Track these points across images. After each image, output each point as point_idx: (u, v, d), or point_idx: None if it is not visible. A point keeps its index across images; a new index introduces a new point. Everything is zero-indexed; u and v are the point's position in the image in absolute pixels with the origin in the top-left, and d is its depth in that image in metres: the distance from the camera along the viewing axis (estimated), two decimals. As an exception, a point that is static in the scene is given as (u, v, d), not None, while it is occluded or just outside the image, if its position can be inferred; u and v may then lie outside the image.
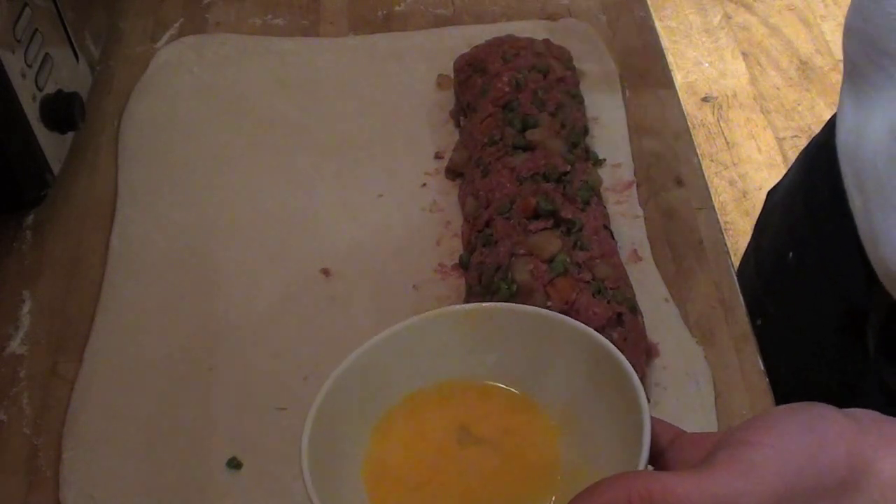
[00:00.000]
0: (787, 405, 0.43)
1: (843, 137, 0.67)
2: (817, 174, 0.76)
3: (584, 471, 0.46)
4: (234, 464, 0.60)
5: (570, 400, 0.49)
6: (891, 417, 0.43)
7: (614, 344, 0.58)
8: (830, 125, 0.76)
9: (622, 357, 0.46)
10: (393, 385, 0.50)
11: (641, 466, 0.42)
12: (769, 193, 0.88)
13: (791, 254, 0.79)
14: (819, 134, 0.81)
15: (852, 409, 0.43)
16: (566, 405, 0.49)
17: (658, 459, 0.44)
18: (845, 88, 0.68)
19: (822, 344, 0.77)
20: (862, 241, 0.65)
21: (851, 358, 0.73)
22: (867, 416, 0.42)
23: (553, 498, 0.46)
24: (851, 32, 0.65)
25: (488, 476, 0.47)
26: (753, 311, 0.68)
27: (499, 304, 0.53)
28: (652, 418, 0.44)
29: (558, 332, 0.49)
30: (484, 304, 0.52)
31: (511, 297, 0.60)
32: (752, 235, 0.89)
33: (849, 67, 0.67)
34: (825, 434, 0.41)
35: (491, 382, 0.51)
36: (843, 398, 0.78)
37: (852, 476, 0.40)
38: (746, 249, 0.90)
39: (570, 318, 0.50)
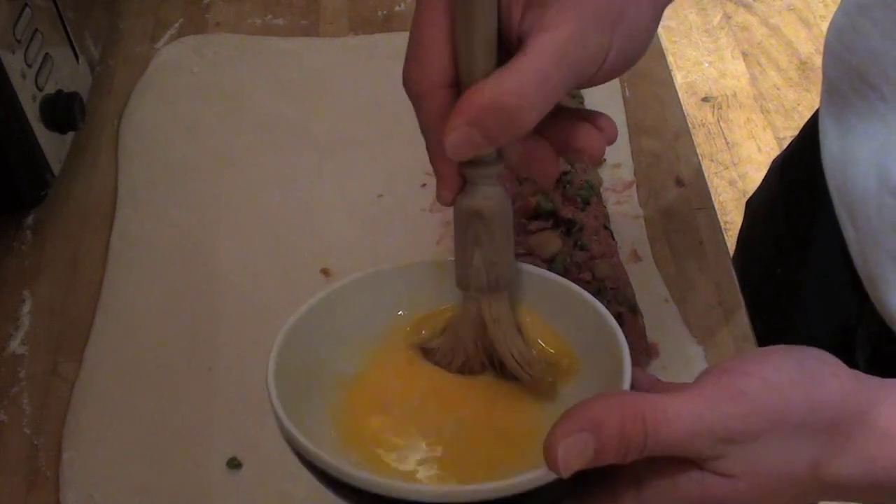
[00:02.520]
0: (783, 345, 0.43)
1: (828, 164, 0.66)
2: (797, 187, 0.76)
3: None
4: (234, 464, 0.60)
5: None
6: (889, 379, 0.42)
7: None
8: (805, 135, 0.75)
9: (597, 302, 0.47)
10: (378, 314, 0.50)
11: (625, 387, 0.42)
12: (747, 205, 0.87)
13: (779, 269, 0.78)
14: (795, 142, 0.80)
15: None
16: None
17: None
18: (826, 109, 0.67)
19: None
20: (857, 271, 0.64)
21: None
22: (863, 374, 0.42)
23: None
24: (833, 56, 0.64)
25: (472, 417, 0.47)
26: None
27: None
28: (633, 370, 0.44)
29: (535, 283, 0.49)
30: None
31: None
32: (736, 248, 0.88)
33: (829, 87, 0.66)
34: (818, 373, 0.41)
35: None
36: None
37: (844, 420, 0.40)
38: (732, 261, 0.89)
39: (544, 270, 0.50)
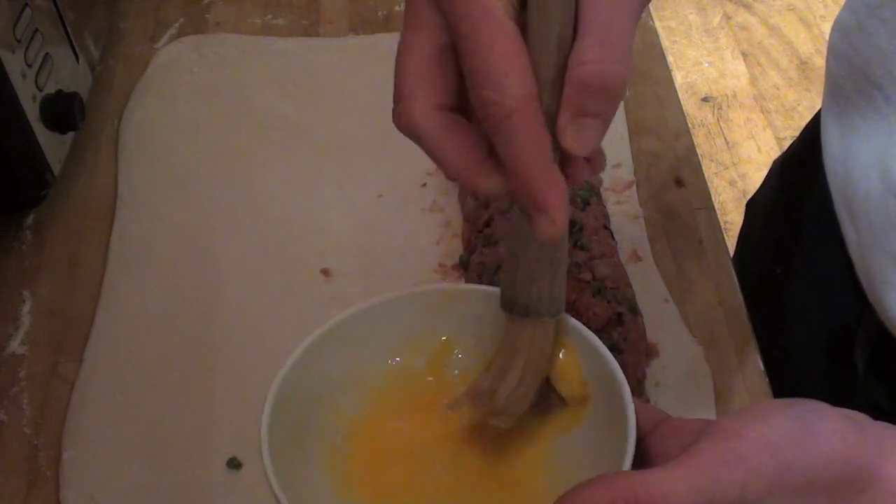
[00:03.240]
0: (780, 399, 0.42)
1: (830, 164, 0.66)
2: (798, 188, 0.75)
3: (568, 460, 0.45)
4: (234, 464, 0.60)
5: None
6: (890, 424, 0.41)
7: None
8: (806, 136, 0.75)
9: (609, 354, 0.46)
10: (368, 359, 0.48)
11: (626, 467, 0.41)
12: (748, 206, 0.87)
13: (778, 269, 0.78)
14: (796, 144, 0.80)
15: (850, 411, 0.42)
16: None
17: (640, 444, 0.43)
18: (829, 109, 0.67)
19: (810, 360, 0.76)
20: (857, 273, 0.64)
21: (839, 376, 0.72)
22: (866, 419, 0.41)
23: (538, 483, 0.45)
24: (837, 56, 0.64)
25: (475, 470, 0.46)
26: None
27: (468, 286, 0.51)
28: (636, 402, 0.43)
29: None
30: (455, 286, 0.51)
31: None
32: (737, 248, 0.88)
33: (832, 88, 0.66)
34: (818, 429, 0.39)
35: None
36: None
37: (848, 477, 0.39)
38: (732, 261, 0.89)
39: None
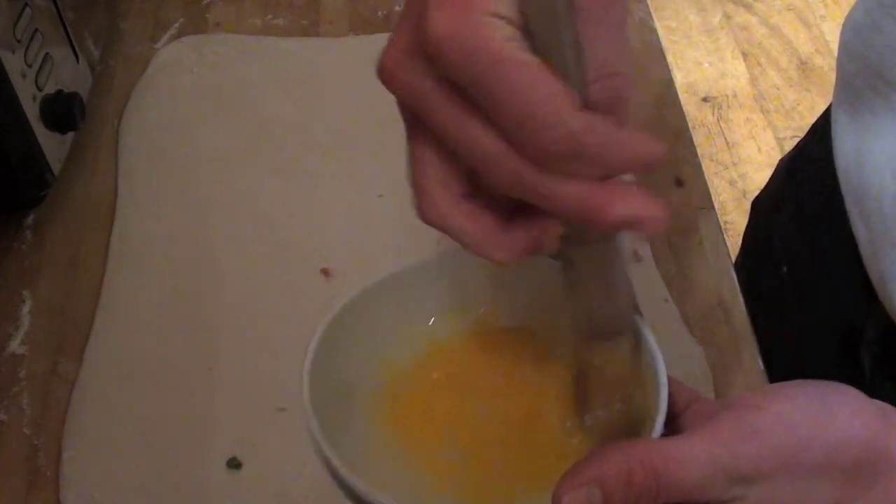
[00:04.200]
0: (808, 380, 0.42)
1: (841, 161, 0.66)
2: (805, 186, 0.75)
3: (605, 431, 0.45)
4: (234, 464, 0.60)
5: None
6: None
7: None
8: (814, 134, 0.75)
9: (646, 328, 0.44)
10: (414, 315, 0.48)
11: (656, 435, 0.40)
12: (754, 204, 0.87)
13: (785, 268, 0.78)
14: (804, 141, 0.80)
15: (876, 400, 0.41)
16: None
17: (672, 423, 0.43)
18: (840, 105, 0.67)
19: (817, 360, 0.76)
20: (868, 271, 0.64)
21: (846, 375, 0.72)
22: (892, 408, 0.41)
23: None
24: (849, 53, 0.64)
25: (501, 426, 0.46)
26: None
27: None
28: (670, 380, 0.42)
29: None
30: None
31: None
32: (742, 247, 0.88)
33: (844, 84, 0.66)
34: (839, 409, 0.39)
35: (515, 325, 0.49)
36: None
37: (868, 461, 0.39)
38: (736, 261, 0.89)
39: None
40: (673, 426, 0.43)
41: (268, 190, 0.75)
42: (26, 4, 0.69)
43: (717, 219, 0.73)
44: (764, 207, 0.85)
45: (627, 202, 0.33)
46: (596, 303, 0.42)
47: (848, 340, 0.70)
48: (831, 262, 0.70)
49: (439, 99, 0.34)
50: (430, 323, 0.49)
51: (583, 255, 0.40)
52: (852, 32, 0.64)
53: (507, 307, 0.49)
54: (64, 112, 0.72)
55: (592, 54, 0.33)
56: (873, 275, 0.63)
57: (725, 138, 2.15)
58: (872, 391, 0.69)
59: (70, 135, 0.76)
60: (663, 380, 0.42)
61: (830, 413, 0.39)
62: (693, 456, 0.38)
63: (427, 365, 0.48)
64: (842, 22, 0.66)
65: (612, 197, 0.33)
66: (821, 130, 0.71)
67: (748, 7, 2.43)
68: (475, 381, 0.48)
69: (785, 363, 0.70)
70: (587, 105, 0.33)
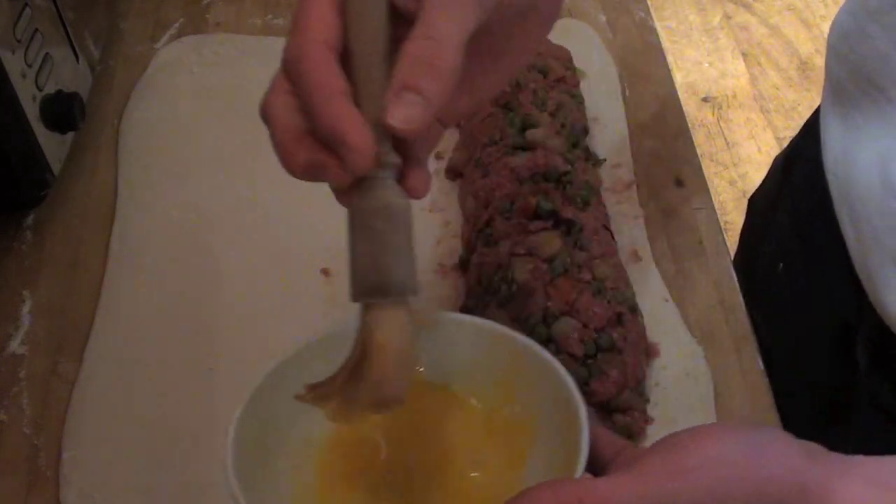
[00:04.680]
0: (734, 422, 0.43)
1: (830, 163, 0.66)
2: (800, 184, 0.75)
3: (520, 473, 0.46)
4: (234, 464, 0.60)
5: (501, 403, 0.48)
6: (847, 456, 0.42)
7: (614, 344, 0.59)
8: (808, 132, 0.75)
9: (554, 361, 0.46)
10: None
11: (578, 476, 0.41)
12: (750, 202, 0.87)
13: (781, 265, 0.78)
14: (797, 139, 0.80)
15: (808, 442, 0.42)
16: (498, 409, 0.48)
17: (602, 471, 0.43)
18: (829, 106, 0.67)
19: (813, 356, 0.76)
20: (856, 271, 0.64)
21: (842, 372, 0.72)
22: (821, 449, 0.42)
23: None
24: (837, 55, 0.64)
25: (417, 474, 0.47)
26: None
27: (442, 315, 0.50)
28: (596, 430, 0.43)
29: (483, 335, 0.49)
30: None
31: (511, 297, 0.60)
32: (739, 245, 0.88)
33: (833, 86, 0.66)
34: (765, 449, 0.40)
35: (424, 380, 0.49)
36: (834, 412, 0.78)
37: (793, 499, 0.39)
38: (734, 259, 0.89)
39: (495, 324, 0.49)
40: (603, 474, 0.43)
41: (268, 189, 0.75)
42: (26, 4, 0.69)
43: (717, 219, 0.73)
44: (760, 206, 0.85)
45: (314, 154, 0.40)
46: (364, 258, 0.42)
47: (843, 337, 0.70)
48: (825, 260, 0.70)
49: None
50: None
51: (354, 208, 0.43)
52: (839, 36, 0.64)
53: (421, 363, 0.49)
54: (64, 112, 0.72)
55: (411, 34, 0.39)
56: (862, 275, 0.63)
57: (725, 138, 2.15)
58: (868, 387, 0.69)
59: (70, 135, 0.76)
60: (584, 422, 0.43)
61: (758, 453, 0.40)
62: (622, 493, 0.38)
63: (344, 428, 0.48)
64: (840, 23, 0.66)
65: (311, 149, 0.40)
66: (814, 129, 0.71)
67: (748, 7, 2.43)
68: (390, 436, 0.48)
69: (785, 363, 0.70)
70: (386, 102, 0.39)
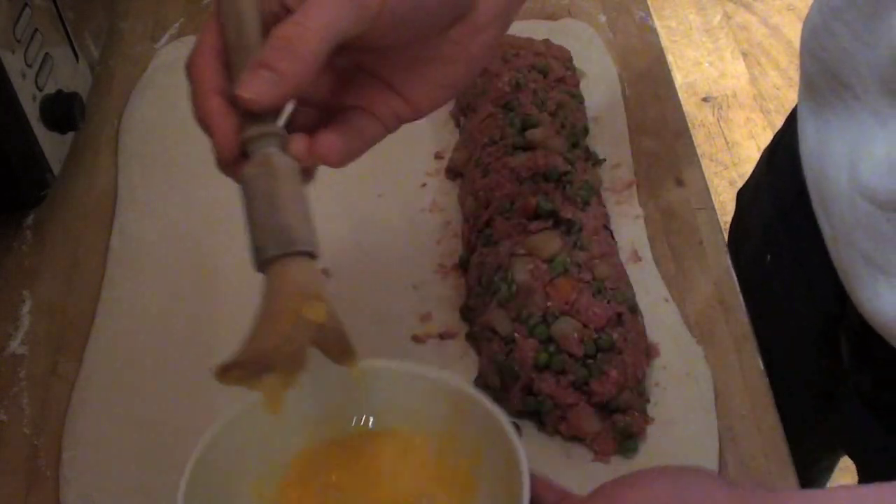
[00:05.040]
0: (664, 466, 0.45)
1: (806, 159, 0.67)
2: (782, 174, 0.76)
3: None
4: (234, 464, 0.60)
5: (447, 445, 0.49)
6: (772, 492, 0.44)
7: (614, 344, 0.59)
8: (791, 125, 0.75)
9: (494, 407, 0.46)
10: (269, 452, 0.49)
11: None
12: (739, 194, 0.88)
13: (768, 256, 0.79)
14: (781, 131, 0.81)
15: (742, 482, 0.45)
16: (444, 450, 0.49)
17: None
18: (805, 103, 0.67)
19: (799, 350, 0.76)
20: (834, 264, 0.64)
21: (828, 363, 0.72)
22: (752, 488, 0.44)
23: None
24: (809, 52, 0.65)
25: None
26: None
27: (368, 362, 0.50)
28: (536, 479, 0.44)
29: (420, 382, 0.49)
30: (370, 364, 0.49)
31: (511, 297, 0.60)
32: (730, 239, 0.88)
33: (807, 83, 0.66)
34: (691, 492, 0.42)
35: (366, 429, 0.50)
36: (821, 403, 0.78)
37: None
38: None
39: (431, 369, 0.50)
40: None
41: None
42: (26, 4, 0.69)
43: (717, 219, 0.73)
44: (746, 197, 0.85)
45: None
46: (257, 220, 0.45)
47: (827, 330, 0.71)
48: (808, 253, 0.70)
49: None
50: (296, 438, 0.49)
51: (241, 178, 0.46)
52: (810, 32, 0.64)
53: (368, 411, 0.50)
54: (64, 112, 0.72)
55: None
56: (840, 271, 0.63)
57: (725, 138, 2.15)
58: (853, 378, 0.69)
59: (70, 135, 0.76)
60: (524, 470, 0.43)
61: (683, 495, 0.42)
62: None
63: (295, 476, 0.49)
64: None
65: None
66: (791, 121, 0.71)
67: (748, 7, 2.43)
68: (342, 483, 0.49)
69: (776, 354, 0.71)
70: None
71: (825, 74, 0.62)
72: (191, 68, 0.45)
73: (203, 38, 0.45)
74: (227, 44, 0.44)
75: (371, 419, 0.50)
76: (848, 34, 0.59)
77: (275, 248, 0.44)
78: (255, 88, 0.42)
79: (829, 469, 0.94)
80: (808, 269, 0.72)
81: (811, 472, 0.92)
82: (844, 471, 1.02)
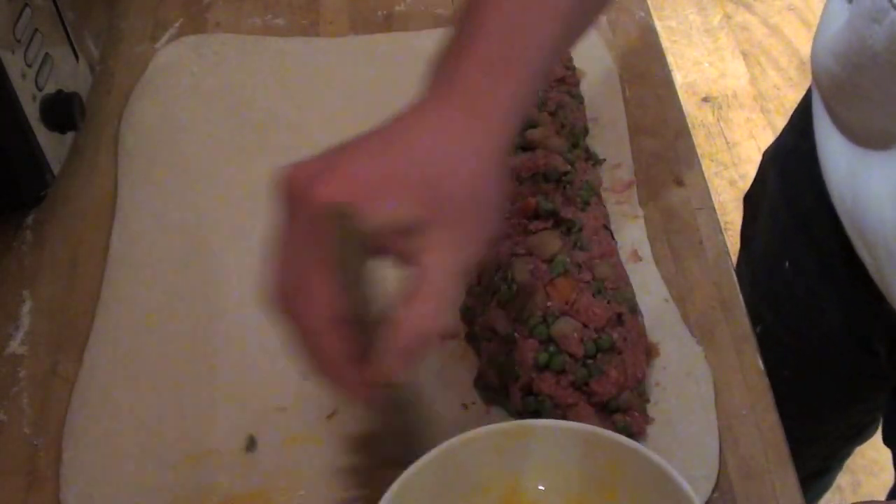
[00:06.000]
0: None
1: (836, 191, 0.66)
2: (796, 183, 0.75)
3: None
4: (234, 464, 0.60)
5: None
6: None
7: (614, 344, 0.59)
8: (797, 128, 0.75)
9: (662, 461, 0.47)
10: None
11: None
12: (745, 199, 0.87)
13: (787, 262, 0.78)
14: (785, 138, 0.80)
15: None
16: None
17: None
18: (830, 139, 0.66)
19: (828, 351, 0.76)
20: (878, 285, 0.64)
21: (863, 362, 0.72)
22: None
23: None
24: (827, 73, 0.64)
25: None
26: (752, 320, 0.67)
27: (537, 422, 0.53)
28: None
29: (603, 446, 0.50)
30: (527, 422, 0.53)
31: (511, 298, 0.60)
32: (742, 244, 0.88)
33: (840, 127, 0.65)
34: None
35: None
36: (844, 404, 0.78)
37: None
38: (738, 259, 0.89)
39: (618, 435, 0.51)
40: None
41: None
42: (26, 4, 0.69)
43: (717, 219, 0.73)
44: (757, 202, 0.85)
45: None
46: (388, 436, 0.49)
47: (860, 330, 0.70)
48: (832, 255, 0.70)
49: None
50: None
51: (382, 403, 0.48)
52: (825, 51, 0.63)
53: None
54: (64, 112, 0.72)
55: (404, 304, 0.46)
56: (885, 293, 0.63)
57: (725, 138, 2.15)
58: (891, 374, 0.69)
59: (70, 135, 0.76)
60: None
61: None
62: None
63: None
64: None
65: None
66: (802, 123, 0.71)
67: (748, 7, 2.43)
68: None
69: (792, 361, 0.70)
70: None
71: (861, 125, 0.62)
72: (316, 337, 0.46)
73: (314, 302, 0.45)
74: (347, 311, 0.45)
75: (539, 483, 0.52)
76: (875, 90, 0.58)
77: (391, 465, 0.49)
78: (401, 370, 0.45)
79: (843, 459, 0.95)
80: (833, 274, 0.72)
81: (829, 462, 0.92)
82: (845, 471, 1.02)
